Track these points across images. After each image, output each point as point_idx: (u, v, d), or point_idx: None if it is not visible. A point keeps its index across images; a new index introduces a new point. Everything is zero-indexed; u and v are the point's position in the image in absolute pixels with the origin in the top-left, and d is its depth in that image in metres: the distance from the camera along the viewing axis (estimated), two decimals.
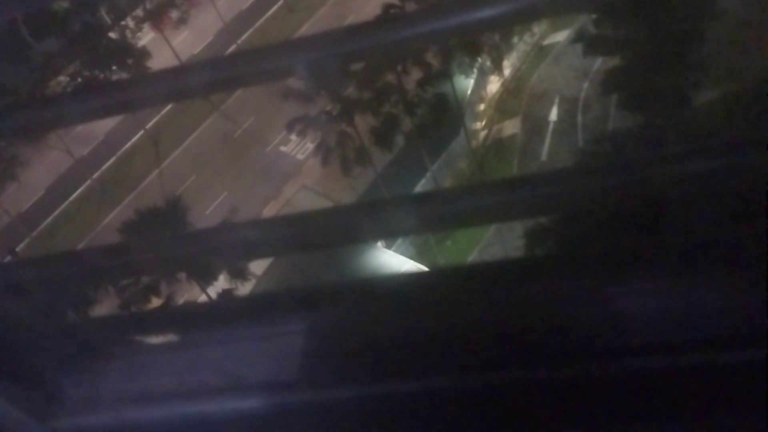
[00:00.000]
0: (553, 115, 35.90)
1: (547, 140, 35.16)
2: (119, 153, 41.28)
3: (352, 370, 1.97)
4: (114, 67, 34.66)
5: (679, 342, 1.78)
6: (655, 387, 1.75)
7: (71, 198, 39.84)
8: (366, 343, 2.01)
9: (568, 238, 20.43)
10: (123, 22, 38.12)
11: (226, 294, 28.68)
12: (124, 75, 34.04)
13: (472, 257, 31.78)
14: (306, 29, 42.66)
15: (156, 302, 28.40)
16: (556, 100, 36.20)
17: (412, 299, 2.06)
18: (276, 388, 2.03)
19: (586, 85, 35.31)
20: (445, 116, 32.61)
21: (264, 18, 45.60)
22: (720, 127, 21.92)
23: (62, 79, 35.32)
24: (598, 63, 33.33)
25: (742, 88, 22.86)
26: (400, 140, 32.17)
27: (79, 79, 34.50)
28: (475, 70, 36.04)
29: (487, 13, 1.47)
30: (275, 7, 46.09)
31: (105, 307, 26.84)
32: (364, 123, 31.30)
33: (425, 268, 30.36)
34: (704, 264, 1.79)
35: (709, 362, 1.75)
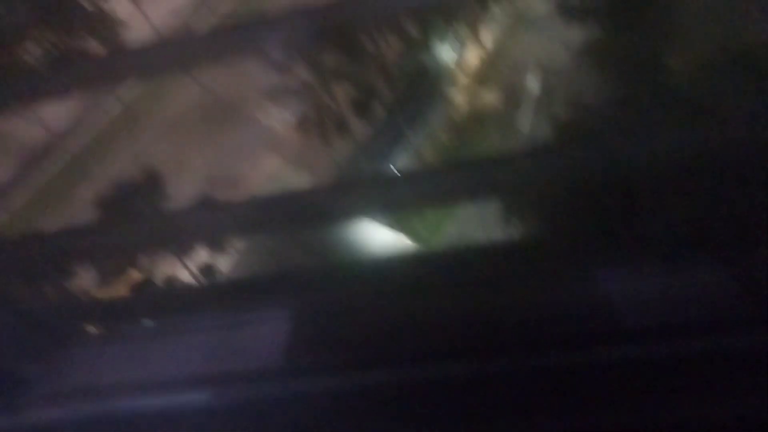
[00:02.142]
0: (533, 85, 35.84)
1: (527, 111, 35.14)
2: (94, 124, 40.63)
3: (332, 359, 1.97)
4: (86, 36, 33.84)
5: (665, 327, 1.78)
6: (645, 373, 1.75)
7: (48, 170, 39.31)
8: (346, 330, 2.01)
9: (547, 221, 20.55)
10: None
11: (206, 269, 28.61)
12: (97, 44, 33.31)
13: (449, 224, 31.86)
14: None
15: (135, 275, 28.27)
16: (536, 71, 36.11)
17: (393, 284, 2.06)
18: (252, 378, 2.02)
19: (565, 55, 35.20)
20: (424, 86, 32.41)
21: None
22: (696, 94, 22.00)
23: (32, 47, 34.42)
24: (578, 33, 33.17)
25: (717, 54, 22.93)
26: (380, 111, 31.97)
27: (50, 48, 33.66)
28: (455, 40, 35.74)
29: None
30: None
31: (83, 280, 26.68)
32: (343, 94, 31.05)
33: (403, 236, 30.38)
34: (686, 249, 1.81)
35: (697, 348, 1.76)
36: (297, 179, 35.92)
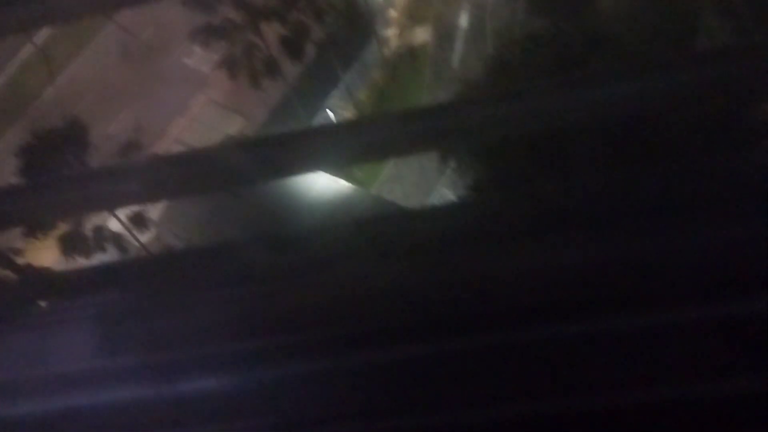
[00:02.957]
0: (463, 21, 35.67)
1: (458, 47, 35.06)
2: (7, 70, 38.28)
3: (281, 340, 1.94)
4: None
5: (609, 300, 1.79)
6: (584, 349, 1.76)
7: None
8: (286, 309, 1.98)
9: (473, 173, 20.90)
10: None
11: (137, 218, 27.84)
12: None
13: (387, 168, 31.96)
14: None
15: (63, 227, 27.31)
16: (466, 6, 35.90)
17: (330, 255, 2.05)
18: (198, 366, 1.99)
19: None
20: (355, 23, 31.77)
21: None
22: (623, 30, 22.38)
23: None
24: None
25: None
26: (310, 50, 31.19)
27: None
28: None
29: None
30: None
31: (7, 236, 25.63)
32: (272, 32, 30.06)
33: (344, 182, 30.30)
34: (621, 215, 1.84)
35: (635, 324, 1.78)
36: (227, 123, 35.04)
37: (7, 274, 23.00)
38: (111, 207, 20.38)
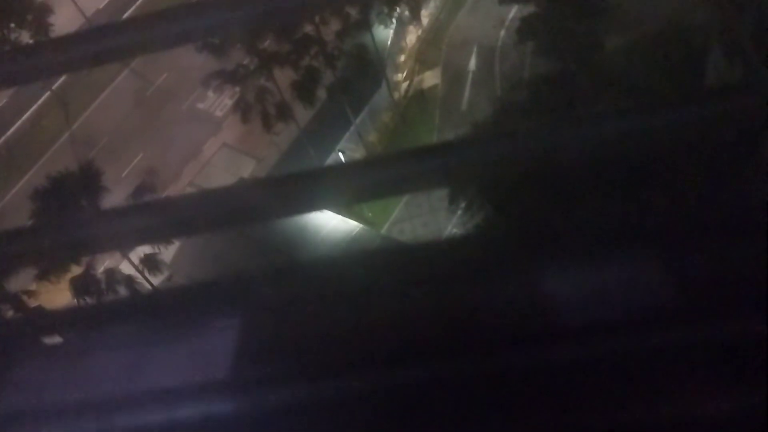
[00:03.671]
0: (472, 64, 36.20)
1: (467, 90, 35.50)
2: (25, 116, 39.02)
3: (286, 368, 1.93)
4: (12, 25, 32.21)
5: (604, 324, 1.77)
6: (587, 373, 1.74)
7: None
8: (296, 337, 1.97)
9: (483, 214, 21.02)
10: None
11: (149, 260, 27.96)
12: (24, 33, 31.82)
13: (398, 209, 32.07)
14: None
15: (76, 270, 27.46)
16: (474, 49, 36.46)
17: (336, 286, 2.05)
18: (202, 393, 1.97)
19: (502, 33, 35.64)
20: (366, 68, 32.28)
21: None
22: (628, 71, 22.64)
23: None
24: (514, 11, 33.61)
25: (647, 34, 23.65)
26: (321, 94, 31.71)
27: None
28: (394, 20, 35.70)
29: None
30: None
31: (20, 278, 25.77)
32: (283, 77, 30.63)
33: (354, 222, 30.45)
34: (621, 241, 1.85)
35: (633, 346, 1.76)
36: (239, 166, 35.41)
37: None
38: (124, 246, 20.43)
